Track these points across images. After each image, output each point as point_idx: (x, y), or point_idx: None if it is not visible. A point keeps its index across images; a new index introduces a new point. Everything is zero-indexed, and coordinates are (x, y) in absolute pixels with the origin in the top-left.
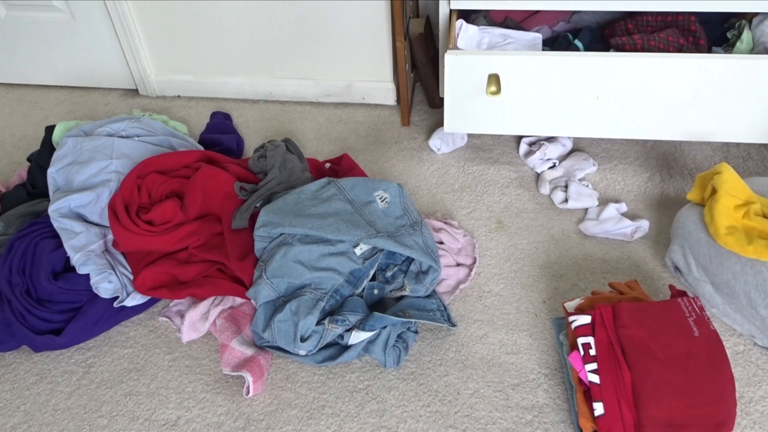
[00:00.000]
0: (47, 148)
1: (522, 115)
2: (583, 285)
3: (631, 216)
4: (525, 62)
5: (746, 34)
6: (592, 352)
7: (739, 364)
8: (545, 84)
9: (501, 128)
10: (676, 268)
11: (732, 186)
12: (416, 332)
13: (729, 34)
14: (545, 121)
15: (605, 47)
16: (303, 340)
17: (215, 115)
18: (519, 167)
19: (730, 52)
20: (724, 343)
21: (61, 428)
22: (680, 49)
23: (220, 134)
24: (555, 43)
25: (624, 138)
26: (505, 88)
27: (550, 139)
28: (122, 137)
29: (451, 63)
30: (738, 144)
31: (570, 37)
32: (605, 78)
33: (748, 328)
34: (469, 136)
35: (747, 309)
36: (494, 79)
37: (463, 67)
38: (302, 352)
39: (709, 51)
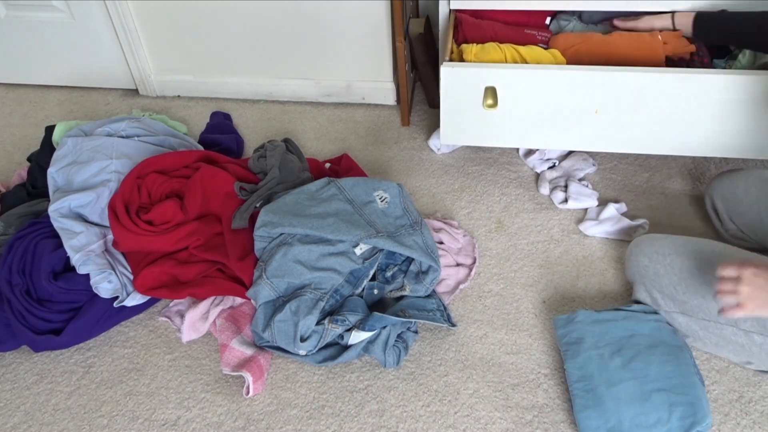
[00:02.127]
0: (47, 148)
1: (519, 128)
2: (583, 285)
3: (631, 216)
4: (522, 76)
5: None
6: None
7: (739, 364)
8: (543, 97)
9: (498, 141)
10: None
11: None
12: (416, 332)
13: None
14: (543, 135)
15: None
16: (303, 340)
17: (215, 115)
18: (519, 167)
19: (732, 65)
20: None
21: (61, 428)
22: None
23: (220, 134)
24: None
25: (624, 152)
26: (502, 101)
27: None
28: (122, 137)
29: (447, 75)
30: None
31: None
32: (605, 92)
33: (734, 353)
34: None
35: (728, 329)
36: (491, 92)
37: (459, 79)
38: (302, 352)
39: (711, 63)
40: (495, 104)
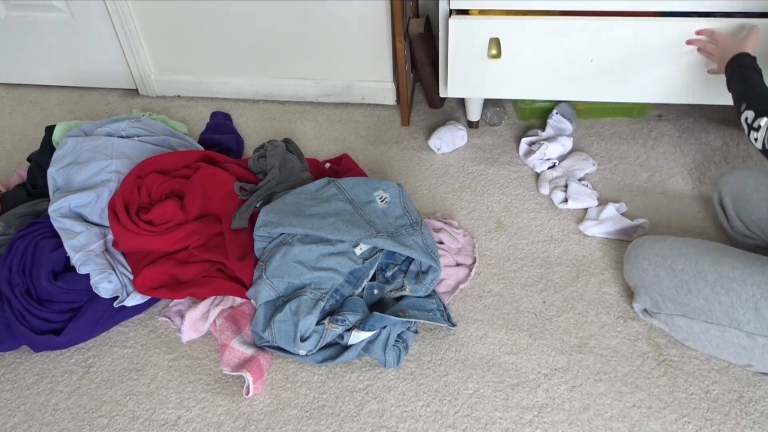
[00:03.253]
0: (47, 148)
1: (521, 79)
2: (583, 285)
3: (631, 216)
4: (524, 25)
5: None
6: None
7: (738, 365)
8: (542, 47)
9: (501, 93)
10: (646, 311)
11: None
12: (416, 332)
13: None
14: (543, 86)
15: None
16: (303, 340)
17: (215, 115)
18: (519, 167)
19: None
20: None
21: (61, 428)
22: None
23: (220, 134)
24: None
25: (618, 101)
26: (505, 51)
27: (550, 139)
28: (122, 137)
29: (455, 27)
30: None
31: None
32: (599, 41)
33: (735, 355)
34: (469, 135)
35: (731, 332)
36: (495, 43)
37: (466, 30)
38: (302, 352)
39: None
40: (498, 54)
